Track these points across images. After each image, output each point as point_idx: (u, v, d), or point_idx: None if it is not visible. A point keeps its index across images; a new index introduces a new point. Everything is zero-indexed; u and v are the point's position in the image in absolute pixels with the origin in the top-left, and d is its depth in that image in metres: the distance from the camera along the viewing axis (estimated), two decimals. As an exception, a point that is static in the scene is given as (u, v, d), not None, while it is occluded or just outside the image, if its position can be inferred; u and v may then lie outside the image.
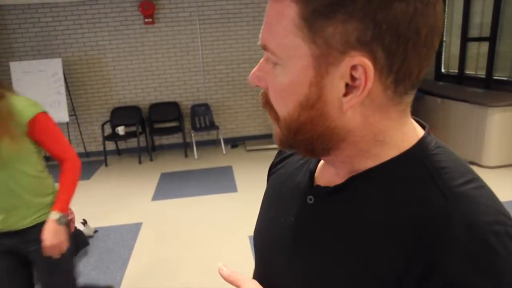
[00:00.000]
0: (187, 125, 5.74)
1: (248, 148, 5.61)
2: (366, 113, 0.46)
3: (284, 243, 0.57)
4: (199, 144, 5.79)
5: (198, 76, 5.73)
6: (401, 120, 0.48)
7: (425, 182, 0.46)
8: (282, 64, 0.46)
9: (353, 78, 0.43)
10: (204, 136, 5.98)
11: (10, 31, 5.35)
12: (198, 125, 5.70)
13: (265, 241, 0.63)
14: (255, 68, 0.51)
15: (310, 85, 0.45)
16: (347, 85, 0.44)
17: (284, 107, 0.48)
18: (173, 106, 5.69)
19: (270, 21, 0.46)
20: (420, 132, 0.51)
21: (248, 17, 5.56)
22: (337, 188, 0.52)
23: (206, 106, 5.75)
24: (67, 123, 5.25)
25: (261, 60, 0.50)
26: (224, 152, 5.59)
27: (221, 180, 4.53)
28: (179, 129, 5.59)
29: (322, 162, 0.58)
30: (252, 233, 2.90)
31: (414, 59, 0.43)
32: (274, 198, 0.65)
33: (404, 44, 0.41)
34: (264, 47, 0.47)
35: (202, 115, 5.73)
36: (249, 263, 2.75)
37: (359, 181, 0.50)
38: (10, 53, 5.42)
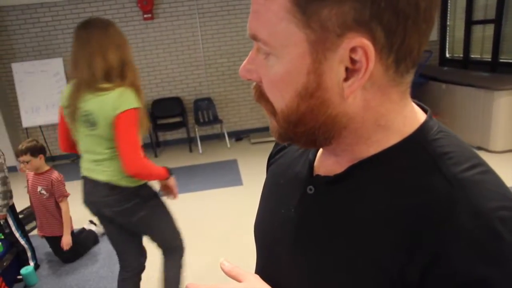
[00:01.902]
0: (191, 120, 5.72)
1: (252, 141, 5.59)
2: (367, 97, 0.44)
3: (285, 235, 0.55)
4: (203, 138, 5.78)
5: (199, 70, 5.70)
6: (401, 102, 0.46)
7: (428, 169, 0.44)
8: (275, 53, 0.43)
9: (353, 61, 0.41)
10: (208, 130, 5.96)
11: (10, 32, 5.35)
12: (201, 120, 5.68)
13: (266, 233, 0.62)
14: (245, 61, 0.48)
15: (308, 73, 0.42)
16: (346, 69, 0.41)
17: (281, 99, 0.45)
18: (176, 102, 5.68)
19: (257, 9, 0.43)
20: (422, 116, 0.49)
21: (248, 8, 5.47)
22: (338, 177, 0.50)
23: (209, 100, 5.73)
24: (71, 122, 5.25)
25: (251, 52, 0.47)
26: (228, 145, 5.58)
27: (226, 174, 4.53)
28: (182, 124, 5.59)
29: (321, 151, 0.56)
30: (257, 226, 2.78)
31: (414, 35, 0.40)
32: (273, 189, 0.64)
33: (404, 21, 0.39)
34: (254, 37, 0.45)
35: (205, 109, 5.71)
36: (255, 257, 2.74)
37: (360, 169, 0.48)
38: (11, 54, 5.42)
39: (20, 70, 5.16)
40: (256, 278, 0.56)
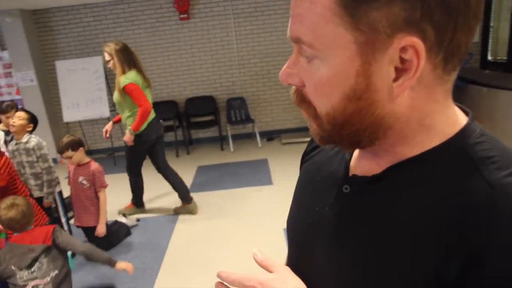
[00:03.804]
0: (223, 118, 5.79)
1: (283, 141, 5.58)
2: (414, 96, 0.43)
3: (319, 233, 0.55)
4: (235, 137, 5.83)
5: (233, 70, 5.76)
6: (445, 102, 0.46)
7: (469, 173, 0.43)
8: (321, 56, 0.43)
9: (402, 61, 0.41)
10: (240, 129, 6.01)
11: (55, 32, 5.61)
12: (233, 119, 5.73)
13: (299, 230, 0.62)
14: (285, 65, 0.48)
15: (357, 75, 0.42)
16: (396, 69, 0.41)
17: (327, 102, 0.45)
18: (209, 100, 5.76)
19: (301, 12, 0.43)
20: (463, 118, 0.49)
21: (282, 9, 5.50)
22: (376, 178, 0.49)
23: (241, 100, 5.77)
24: (108, 118, 5.44)
25: (292, 56, 0.47)
26: (259, 145, 5.60)
27: (256, 173, 4.54)
28: (215, 122, 5.66)
29: (358, 150, 0.56)
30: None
31: (463, 32, 0.40)
32: (308, 186, 0.64)
33: (454, 18, 0.39)
34: (297, 40, 0.45)
35: (238, 109, 5.75)
36: (283, 256, 2.73)
37: (399, 170, 0.48)
38: (55, 53, 5.69)
39: (63, 68, 5.40)
40: (287, 270, 0.57)
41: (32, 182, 2.86)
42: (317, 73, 0.44)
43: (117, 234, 3.28)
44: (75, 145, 2.94)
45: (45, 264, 1.99)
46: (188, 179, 4.58)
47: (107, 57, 3.22)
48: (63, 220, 3.01)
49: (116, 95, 3.26)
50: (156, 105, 5.70)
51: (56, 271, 2.01)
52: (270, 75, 5.76)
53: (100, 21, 5.53)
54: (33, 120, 2.89)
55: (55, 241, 2.04)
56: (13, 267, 1.96)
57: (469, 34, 0.41)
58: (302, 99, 0.48)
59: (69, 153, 2.91)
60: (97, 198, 3.08)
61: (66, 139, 2.94)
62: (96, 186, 3.04)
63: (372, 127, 0.45)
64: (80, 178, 3.02)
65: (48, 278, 1.98)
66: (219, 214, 3.62)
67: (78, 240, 2.21)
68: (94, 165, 3.04)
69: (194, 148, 5.85)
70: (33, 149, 2.80)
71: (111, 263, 2.21)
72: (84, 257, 2.16)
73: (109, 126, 3.39)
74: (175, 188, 3.64)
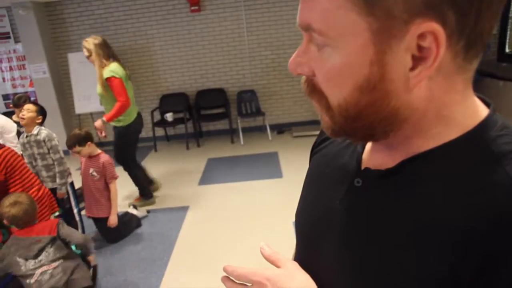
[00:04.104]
0: (234, 111, 5.77)
1: (294, 134, 5.55)
2: (432, 86, 0.41)
3: (329, 227, 0.53)
4: (245, 130, 5.81)
5: (244, 62, 5.73)
6: (465, 91, 0.43)
7: (490, 167, 0.40)
8: (332, 44, 0.40)
9: (420, 49, 0.38)
10: (250, 122, 5.99)
11: (68, 24, 5.65)
12: (244, 111, 5.71)
13: (308, 223, 0.60)
14: (294, 54, 0.45)
15: (371, 64, 0.39)
16: (413, 57, 0.39)
17: (339, 93, 0.43)
18: (220, 93, 5.75)
19: None
20: (484, 109, 0.45)
21: (293, 1, 5.44)
22: (390, 171, 0.47)
23: (252, 92, 5.74)
24: (120, 111, 5.47)
25: (302, 44, 0.45)
26: (270, 138, 5.58)
27: (266, 166, 4.53)
28: (225, 115, 5.65)
29: (370, 142, 0.53)
30: (295, 218, 2.76)
31: (487, 17, 0.37)
32: (317, 179, 0.61)
33: (478, 2, 0.36)
34: (307, 28, 0.42)
35: (248, 101, 5.73)
36: (292, 249, 2.72)
37: (415, 164, 0.45)
38: (68, 45, 5.72)
39: (75, 60, 5.43)
40: (294, 265, 0.55)
41: (44, 173, 2.89)
42: (328, 62, 0.42)
43: (128, 225, 3.31)
44: (82, 140, 2.96)
45: (51, 253, 2.06)
46: (198, 171, 4.59)
47: (86, 53, 3.30)
48: (75, 210, 3.04)
49: (99, 88, 3.33)
50: (167, 97, 5.77)
51: (62, 260, 2.08)
52: (281, 67, 5.71)
53: (111, 13, 5.54)
54: (42, 112, 2.91)
55: (59, 233, 2.13)
56: (18, 259, 2.02)
57: (493, 19, 0.38)
58: (313, 90, 0.46)
59: (77, 148, 2.95)
60: (107, 190, 3.11)
61: (72, 134, 2.98)
62: (107, 178, 3.06)
63: (387, 120, 0.43)
64: (91, 170, 3.04)
65: (56, 263, 2.05)
66: (229, 206, 3.62)
67: (77, 232, 2.33)
68: (104, 157, 3.06)
69: (204, 141, 5.85)
70: (43, 140, 2.82)
71: (87, 254, 2.35)
72: (79, 246, 2.26)
73: (99, 124, 3.34)
74: (137, 183, 3.73)
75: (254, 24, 5.56)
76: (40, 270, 2.01)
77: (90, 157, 3.05)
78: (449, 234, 0.40)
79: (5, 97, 5.82)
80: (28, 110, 2.82)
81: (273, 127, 5.84)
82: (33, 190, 2.47)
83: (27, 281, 2.00)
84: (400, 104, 0.41)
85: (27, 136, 2.86)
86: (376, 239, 0.46)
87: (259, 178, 4.19)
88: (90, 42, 3.24)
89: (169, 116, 5.51)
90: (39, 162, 2.88)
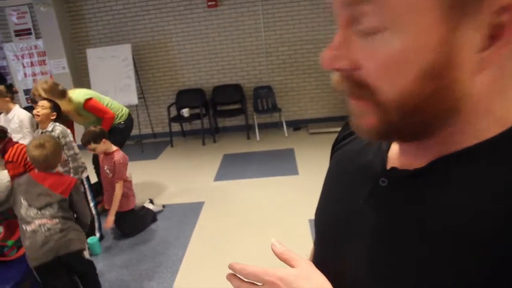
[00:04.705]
0: (250, 107, 5.75)
1: (310, 131, 5.50)
2: (495, 72, 0.36)
3: (351, 228, 0.50)
4: (261, 126, 5.79)
5: (260, 58, 5.69)
6: (510, 81, 0.38)
7: None
8: (392, 26, 0.35)
9: (496, 26, 0.33)
10: (267, 118, 5.96)
11: (87, 20, 5.71)
12: (260, 108, 5.68)
13: (329, 223, 0.56)
14: (328, 48, 0.39)
15: (438, 47, 0.34)
16: (486, 36, 0.34)
17: (396, 84, 0.37)
18: (236, 89, 5.73)
19: None
20: None
21: (312, -5, 5.37)
22: (419, 171, 0.43)
23: (268, 88, 5.71)
24: (136, 106, 5.52)
25: (337, 36, 0.39)
26: (286, 134, 5.54)
27: (282, 163, 4.50)
28: (241, 111, 5.63)
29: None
30: (312, 217, 2.82)
31: None
32: (339, 178, 0.58)
33: None
34: (356, 2, 0.36)
35: (265, 97, 5.70)
36: (307, 247, 2.69)
37: (448, 164, 0.41)
38: (87, 41, 5.79)
39: (93, 55, 5.49)
40: (309, 265, 0.51)
41: (60, 169, 2.92)
42: (384, 49, 0.36)
43: (143, 219, 3.33)
44: (97, 137, 2.97)
45: (55, 210, 2.07)
46: (213, 167, 4.59)
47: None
48: (91, 204, 3.07)
49: (80, 120, 3.42)
50: (183, 93, 5.79)
51: (62, 218, 2.08)
52: (298, 63, 5.65)
53: (129, 9, 5.58)
54: (56, 108, 2.93)
55: (71, 196, 2.14)
56: (22, 200, 2.04)
57: None
58: (356, 86, 0.39)
59: (92, 145, 2.97)
60: (125, 186, 3.13)
61: (88, 131, 2.99)
62: (115, 177, 3.05)
63: (447, 112, 0.38)
64: (105, 167, 3.07)
65: (57, 220, 2.05)
66: (244, 203, 3.61)
67: (87, 208, 2.34)
68: (118, 156, 3.06)
69: (220, 137, 5.85)
70: (58, 137, 2.84)
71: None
72: (79, 221, 2.23)
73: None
74: None
75: (271, 20, 5.51)
76: (39, 221, 2.01)
77: (106, 154, 3.08)
78: (484, 241, 0.36)
79: (26, 92, 5.93)
80: (42, 107, 2.84)
81: (289, 124, 5.79)
82: None
83: (23, 226, 2.01)
84: (462, 94, 0.37)
85: (42, 133, 2.89)
86: (401, 243, 0.43)
87: (275, 174, 4.17)
88: (39, 90, 3.05)
89: (185, 112, 5.53)
90: None
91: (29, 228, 2.00)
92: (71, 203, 2.15)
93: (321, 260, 0.56)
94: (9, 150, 2.41)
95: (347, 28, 0.39)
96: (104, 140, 3.01)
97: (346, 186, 0.54)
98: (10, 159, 2.38)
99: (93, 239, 2.96)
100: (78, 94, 3.28)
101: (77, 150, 2.96)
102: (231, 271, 0.53)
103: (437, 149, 0.42)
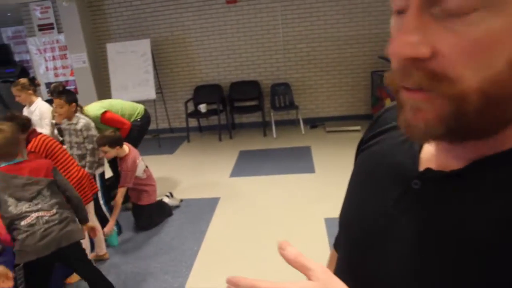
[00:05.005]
0: (267, 104, 5.73)
1: (328, 129, 5.45)
2: None
3: (379, 230, 0.48)
4: (278, 123, 5.76)
5: (278, 54, 5.66)
6: None
7: None
8: (485, 6, 0.31)
9: None
10: (284, 115, 5.93)
11: (107, 15, 5.78)
12: (277, 104, 5.66)
13: (356, 226, 0.54)
14: (401, 33, 0.35)
15: None
16: None
17: (484, 71, 0.32)
18: (253, 85, 5.72)
19: None
20: None
21: (332, -9, 5.31)
22: (456, 174, 0.40)
23: (286, 85, 5.68)
24: (154, 100, 5.56)
25: (410, 19, 0.34)
26: (303, 132, 5.50)
27: (299, 160, 4.47)
28: (258, 108, 5.62)
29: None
30: (328, 216, 2.81)
31: None
32: (366, 179, 0.55)
33: None
34: None
35: (282, 95, 5.67)
36: (323, 247, 2.67)
37: (488, 166, 0.38)
38: (107, 35, 5.86)
39: (113, 50, 5.55)
40: (327, 274, 0.44)
41: (77, 160, 2.95)
42: (476, 31, 0.32)
43: (160, 213, 3.36)
44: (113, 143, 2.94)
45: (48, 197, 1.98)
46: (229, 163, 4.59)
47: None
48: (101, 201, 3.05)
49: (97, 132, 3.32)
50: (201, 89, 5.80)
51: (58, 206, 2.00)
52: (316, 60, 5.60)
53: (149, 4, 5.61)
54: (70, 98, 2.88)
55: (56, 176, 2.07)
56: (7, 197, 1.90)
57: None
58: (429, 76, 0.35)
59: (106, 148, 2.92)
60: (146, 184, 3.17)
61: (107, 135, 2.94)
62: (120, 183, 3.03)
63: None
64: (120, 169, 3.10)
65: (54, 210, 1.97)
66: (259, 199, 3.60)
67: (75, 190, 2.24)
68: (126, 163, 3.03)
69: (237, 133, 5.85)
70: (80, 130, 2.87)
71: (84, 221, 2.25)
72: (72, 203, 2.16)
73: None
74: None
75: (290, 16, 5.47)
76: (36, 214, 1.91)
77: (120, 158, 3.09)
78: None
79: (48, 85, 6.04)
80: (59, 106, 2.81)
81: (306, 121, 5.76)
82: (73, 171, 2.56)
83: (17, 222, 1.88)
84: None
85: (68, 124, 2.93)
86: (433, 247, 0.41)
87: (291, 172, 4.14)
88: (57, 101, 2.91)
89: (202, 107, 5.55)
90: (75, 151, 2.94)
91: (24, 222, 1.88)
92: (59, 185, 2.07)
93: (347, 265, 0.54)
94: (32, 141, 2.46)
95: (422, 11, 0.34)
96: (118, 147, 2.98)
97: (374, 188, 0.52)
98: (32, 150, 2.43)
99: (113, 236, 3.00)
100: (93, 109, 3.30)
101: (96, 145, 2.98)
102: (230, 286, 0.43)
103: (475, 149, 0.39)
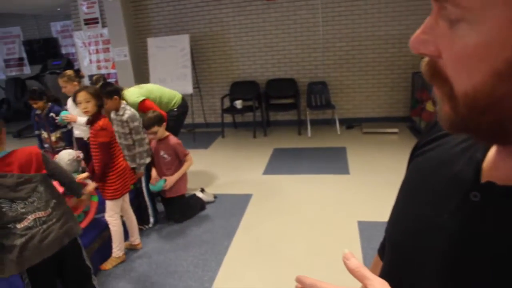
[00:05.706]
0: (303, 102, 5.67)
1: (364, 130, 5.32)
2: None
3: (432, 243, 0.45)
4: (313, 122, 5.69)
5: (317, 53, 5.58)
6: None
7: None
8: (470, 18, 0.33)
9: None
10: (319, 114, 5.85)
11: (149, 10, 5.91)
12: (313, 103, 5.59)
13: (406, 236, 0.51)
14: (419, 30, 0.38)
15: None
16: None
17: (468, 79, 0.35)
18: (290, 83, 5.67)
19: None
20: None
21: (375, -11, 5.17)
22: None
23: (323, 84, 5.59)
24: (191, 95, 5.64)
25: (428, 19, 0.37)
26: (338, 132, 5.40)
27: (333, 161, 4.39)
28: (294, 106, 5.57)
29: (494, 149, 0.43)
30: (361, 219, 2.74)
31: None
32: (420, 186, 0.52)
33: None
34: None
35: (319, 93, 5.59)
36: (355, 250, 2.61)
37: None
38: (148, 30, 6.00)
39: (153, 45, 5.68)
40: (384, 285, 0.44)
41: (125, 152, 3.00)
42: (462, 41, 0.34)
43: (192, 207, 3.40)
44: (160, 120, 3.11)
45: (43, 193, 1.85)
46: (263, 160, 4.58)
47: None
48: (144, 190, 3.16)
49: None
50: (237, 85, 5.83)
51: (54, 200, 1.89)
52: (355, 60, 5.48)
53: (189, 0, 5.69)
54: (111, 95, 2.88)
55: (47, 166, 1.90)
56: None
57: None
58: (436, 74, 0.38)
59: (155, 128, 3.06)
60: (177, 169, 3.23)
61: (152, 114, 3.09)
62: (181, 157, 3.25)
63: None
64: (162, 152, 3.17)
65: (50, 209, 1.85)
66: (292, 198, 3.57)
67: (65, 169, 2.12)
68: (173, 140, 3.22)
69: (272, 130, 5.83)
70: (126, 121, 2.94)
71: (79, 195, 2.26)
72: (66, 187, 2.09)
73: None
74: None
75: (330, 14, 5.38)
76: (33, 216, 1.78)
77: (160, 140, 3.18)
78: None
79: (91, 77, 6.28)
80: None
81: (342, 121, 5.65)
82: (120, 159, 2.66)
83: (12, 225, 1.74)
84: None
85: (116, 114, 3.00)
86: (490, 266, 0.37)
87: (325, 172, 4.08)
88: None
89: (238, 104, 5.56)
90: (122, 141, 3.02)
91: (19, 225, 1.75)
92: (51, 174, 1.93)
93: (393, 274, 0.50)
94: (102, 119, 2.49)
95: (438, 13, 0.36)
96: (164, 123, 3.16)
97: (427, 197, 0.49)
98: (104, 127, 2.47)
99: (161, 181, 3.16)
100: (132, 95, 3.36)
101: (144, 135, 3.04)
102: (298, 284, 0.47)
103: None
